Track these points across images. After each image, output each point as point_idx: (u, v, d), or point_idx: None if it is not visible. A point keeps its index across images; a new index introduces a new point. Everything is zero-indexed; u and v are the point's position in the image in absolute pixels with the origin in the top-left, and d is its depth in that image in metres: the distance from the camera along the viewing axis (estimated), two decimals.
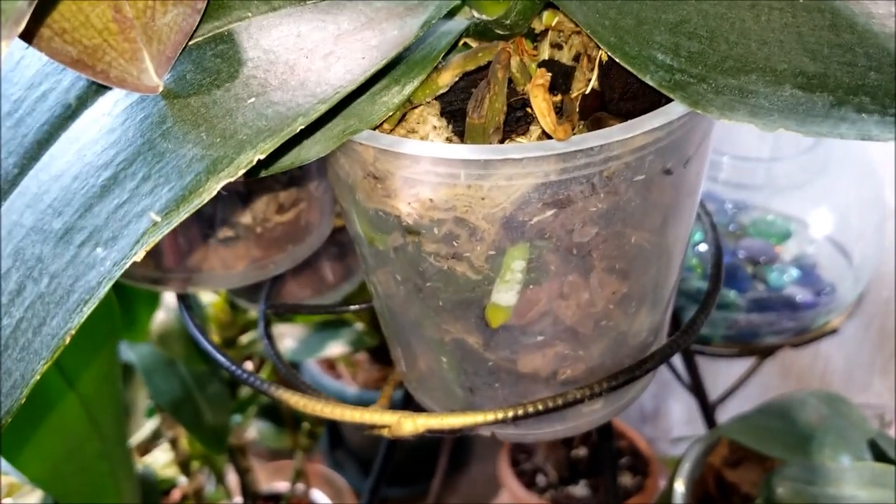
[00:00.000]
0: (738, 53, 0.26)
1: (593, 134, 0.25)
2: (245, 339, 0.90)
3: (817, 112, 0.25)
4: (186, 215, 0.21)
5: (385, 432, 0.33)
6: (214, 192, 0.21)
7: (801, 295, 0.77)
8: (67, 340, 0.21)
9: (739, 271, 0.78)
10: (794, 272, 0.79)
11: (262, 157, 0.21)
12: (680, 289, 0.76)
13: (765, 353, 0.77)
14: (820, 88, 0.25)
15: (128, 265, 0.21)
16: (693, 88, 0.25)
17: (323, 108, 0.22)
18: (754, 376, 0.86)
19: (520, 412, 0.32)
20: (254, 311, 0.89)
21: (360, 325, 0.97)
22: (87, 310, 0.21)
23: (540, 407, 0.32)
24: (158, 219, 0.21)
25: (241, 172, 0.21)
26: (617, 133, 0.25)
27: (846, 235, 0.83)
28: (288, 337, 0.95)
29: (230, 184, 0.37)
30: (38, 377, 0.22)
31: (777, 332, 0.75)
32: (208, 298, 0.89)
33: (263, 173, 0.25)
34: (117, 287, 0.59)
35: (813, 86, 0.25)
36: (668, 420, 1.21)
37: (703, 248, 0.79)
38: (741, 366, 0.91)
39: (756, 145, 0.87)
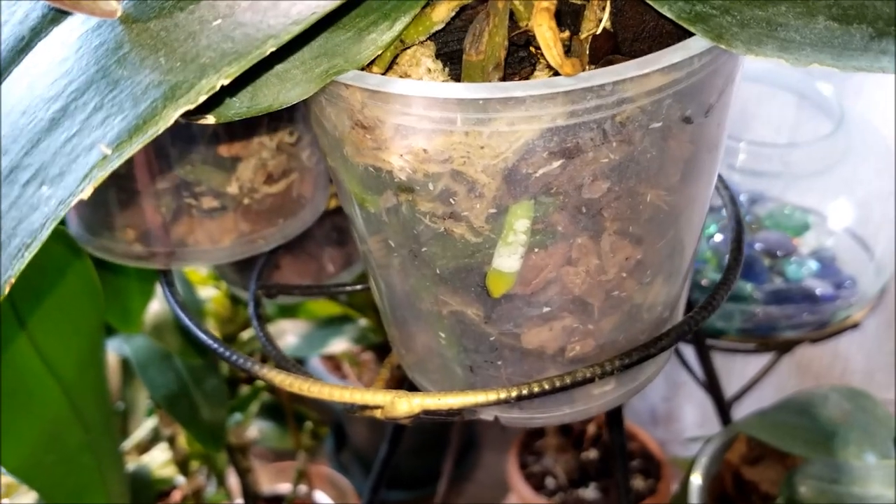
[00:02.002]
0: None
1: (605, 70, 0.22)
2: (246, 335, 0.88)
3: (855, 45, 0.22)
4: (140, 146, 0.18)
5: (378, 413, 0.30)
6: (172, 121, 0.18)
7: (820, 288, 0.74)
8: (7, 290, 0.19)
9: (756, 263, 0.75)
10: (812, 265, 0.76)
11: (227, 82, 0.19)
12: (694, 281, 0.73)
13: (783, 347, 0.74)
14: (857, 19, 0.22)
15: (74, 203, 0.18)
16: (716, 21, 0.22)
17: (297, 30, 0.19)
18: (770, 375, 0.83)
19: (524, 392, 0.30)
20: None
21: (364, 321, 0.95)
22: (29, 254, 0.18)
23: (546, 386, 0.30)
24: (108, 151, 0.18)
25: (201, 98, 0.19)
26: (631, 69, 0.22)
27: (866, 228, 0.80)
28: (290, 333, 0.93)
29: (214, 148, 0.34)
30: None
31: (796, 325, 0.73)
32: (208, 293, 0.87)
33: (236, 115, 0.22)
34: (107, 274, 0.56)
35: (849, 17, 0.22)
36: (681, 422, 1.18)
37: (717, 238, 0.77)
38: (756, 364, 0.88)
39: (773, 132, 0.84)
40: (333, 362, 1.18)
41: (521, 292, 0.28)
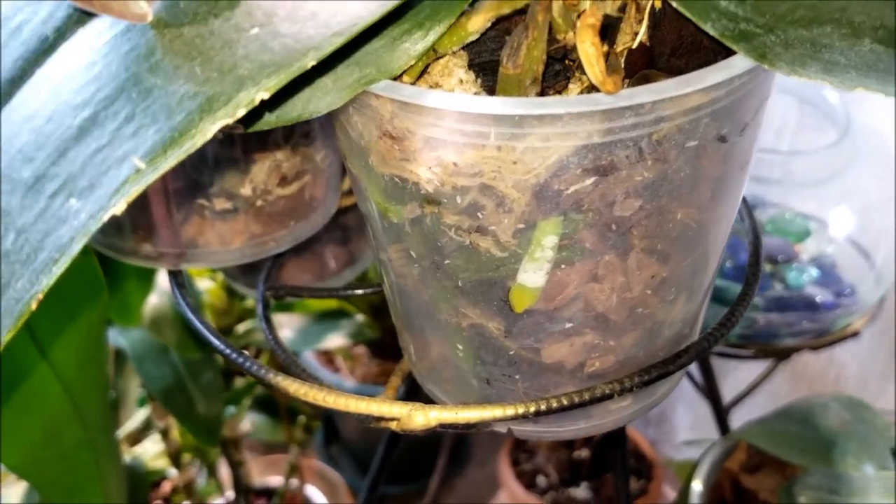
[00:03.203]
0: (811, 2, 0.23)
1: (645, 88, 0.22)
2: (242, 328, 0.87)
3: None
4: (175, 161, 0.18)
5: (393, 425, 0.30)
6: (209, 135, 0.18)
7: (820, 295, 0.74)
8: (34, 306, 0.18)
9: None
10: (813, 272, 0.76)
11: (267, 95, 0.18)
12: None
13: (782, 355, 0.74)
14: None
15: (105, 218, 0.18)
16: (760, 40, 0.22)
17: (339, 42, 0.19)
18: (764, 381, 0.83)
19: (542, 407, 0.29)
20: (252, 298, 0.86)
21: (360, 317, 0.94)
22: (57, 270, 0.18)
23: (565, 402, 0.29)
24: (142, 165, 0.18)
25: (240, 112, 0.18)
26: (672, 88, 0.22)
27: (867, 236, 0.80)
28: (286, 328, 0.93)
29: (229, 150, 0.34)
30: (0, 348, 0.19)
31: (796, 333, 0.72)
32: (204, 285, 0.86)
33: (265, 124, 0.22)
34: (108, 267, 0.56)
35: None
36: (673, 424, 1.19)
37: None
38: (751, 369, 0.88)
39: (774, 139, 0.84)
40: (326, 356, 1.18)
41: (543, 308, 0.28)
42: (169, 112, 0.18)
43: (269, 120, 0.22)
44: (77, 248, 0.18)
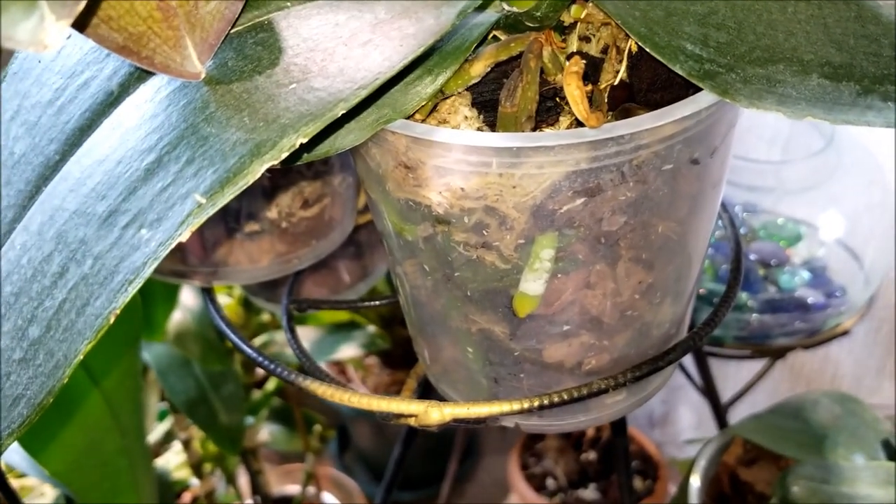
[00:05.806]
0: (766, 44, 0.26)
1: (624, 122, 0.25)
2: (258, 341, 0.90)
3: (844, 101, 0.25)
4: (231, 197, 0.21)
5: (412, 421, 0.33)
6: (259, 175, 0.21)
7: (812, 297, 0.77)
8: (112, 320, 0.22)
9: (751, 273, 0.78)
10: (804, 274, 0.80)
11: (305, 140, 0.22)
12: None
13: (777, 354, 0.78)
14: (846, 78, 0.26)
15: (173, 245, 0.21)
16: (722, 78, 0.25)
17: (363, 94, 0.22)
18: (764, 380, 0.86)
19: (545, 402, 0.33)
20: (268, 313, 0.90)
21: (372, 328, 0.97)
22: (132, 290, 0.21)
23: (565, 396, 0.33)
24: (203, 200, 0.21)
25: (284, 155, 0.21)
26: (647, 121, 0.25)
27: (856, 239, 0.83)
28: (301, 339, 0.96)
29: (258, 179, 0.37)
30: (81, 357, 0.22)
31: (788, 333, 0.76)
32: (222, 301, 0.90)
33: (300, 161, 0.25)
34: None
35: (839, 75, 0.26)
36: (677, 425, 1.22)
37: (711, 250, 0.80)
38: (750, 369, 0.91)
39: (766, 148, 0.88)
40: (338, 366, 1.21)
41: (543, 313, 0.31)
42: (224, 156, 0.22)
43: (304, 157, 0.26)
44: (149, 271, 0.21)
